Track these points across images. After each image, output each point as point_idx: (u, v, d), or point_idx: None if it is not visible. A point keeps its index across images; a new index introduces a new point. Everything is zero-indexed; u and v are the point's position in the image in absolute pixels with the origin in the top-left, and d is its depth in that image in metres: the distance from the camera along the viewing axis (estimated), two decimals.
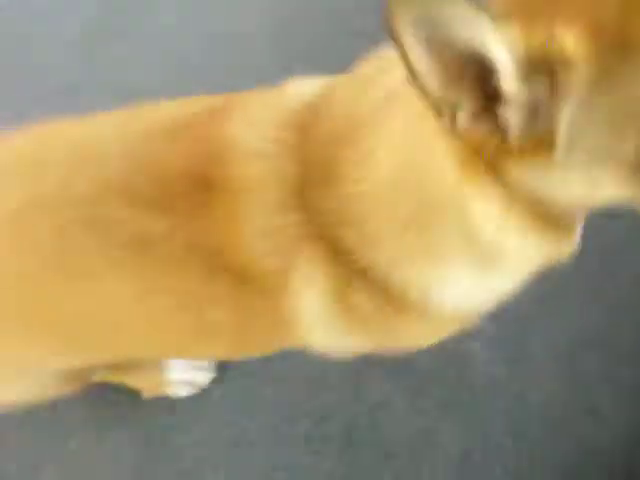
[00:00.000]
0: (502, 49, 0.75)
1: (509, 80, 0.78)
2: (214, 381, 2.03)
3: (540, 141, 0.82)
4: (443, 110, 0.80)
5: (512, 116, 0.81)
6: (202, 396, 2.00)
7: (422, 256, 1.01)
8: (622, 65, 0.75)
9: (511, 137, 0.83)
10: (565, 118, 0.79)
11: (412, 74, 0.76)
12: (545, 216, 0.95)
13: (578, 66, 0.75)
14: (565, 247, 1.03)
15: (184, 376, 1.94)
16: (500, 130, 0.82)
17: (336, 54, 2.16)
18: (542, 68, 0.76)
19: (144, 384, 1.95)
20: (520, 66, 0.76)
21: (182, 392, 1.95)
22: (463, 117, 0.81)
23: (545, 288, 2.16)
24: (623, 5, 0.74)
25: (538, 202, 0.92)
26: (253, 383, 2.03)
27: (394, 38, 0.72)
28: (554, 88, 0.77)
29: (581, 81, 0.76)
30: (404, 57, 0.74)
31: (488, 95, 0.80)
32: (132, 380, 1.93)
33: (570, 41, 0.75)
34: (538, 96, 0.78)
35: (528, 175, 0.87)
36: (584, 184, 0.86)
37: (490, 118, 0.82)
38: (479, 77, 0.79)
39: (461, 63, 0.77)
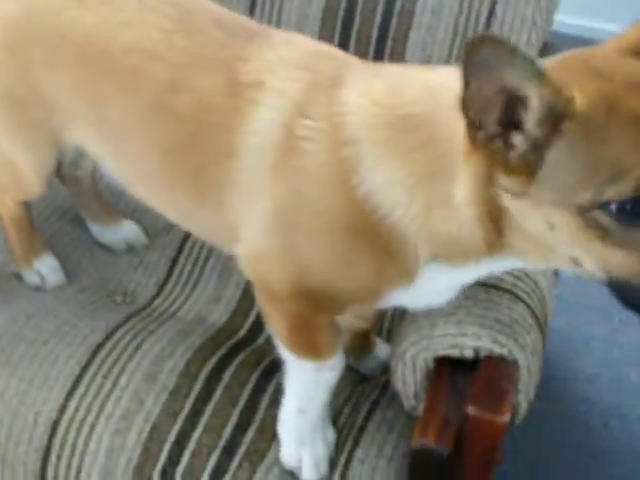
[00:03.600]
0: (538, 97, 0.91)
1: (532, 119, 0.93)
2: None
3: (527, 167, 0.96)
4: (473, 127, 0.95)
5: (520, 143, 0.96)
6: None
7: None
8: (607, 128, 0.92)
9: (510, 157, 0.96)
10: (551, 155, 0.95)
11: (464, 98, 0.92)
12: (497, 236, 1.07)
13: (578, 119, 0.92)
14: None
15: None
16: (506, 150, 0.96)
17: None
18: (555, 115, 0.92)
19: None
20: (543, 111, 0.92)
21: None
22: (483, 134, 0.96)
23: None
24: (625, 87, 0.93)
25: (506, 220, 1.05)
26: None
27: (466, 71, 0.89)
28: (555, 131, 0.93)
29: (575, 130, 0.92)
30: (465, 85, 0.90)
31: (508, 122, 0.95)
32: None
33: (581, 101, 0.91)
34: (543, 134, 0.94)
35: (508, 190, 1.00)
36: (543, 222, 0.99)
37: (503, 139, 0.96)
38: (508, 109, 0.94)
39: (501, 98, 0.93)
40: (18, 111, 1.44)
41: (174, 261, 1.74)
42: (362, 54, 1.75)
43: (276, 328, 1.32)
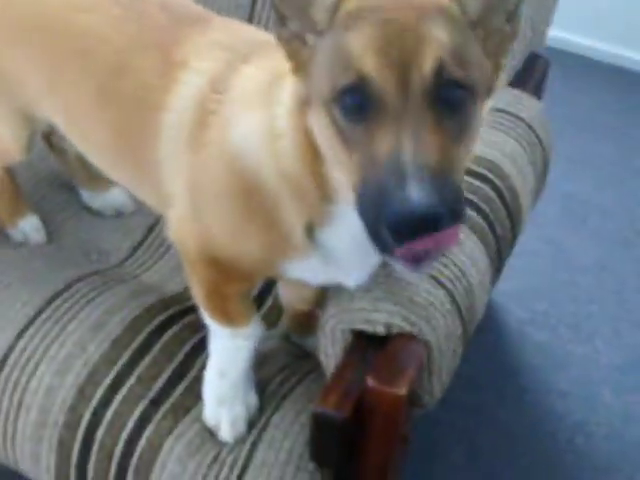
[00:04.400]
0: None
1: (322, 12, 1.00)
2: None
3: (309, 62, 1.03)
4: (279, 24, 1.03)
5: (310, 40, 1.02)
6: None
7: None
8: (359, 24, 0.96)
9: (301, 54, 1.03)
10: (319, 47, 1.01)
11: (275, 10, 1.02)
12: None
13: (347, 11, 0.98)
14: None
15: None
16: (301, 48, 1.03)
17: None
18: (335, 8, 0.99)
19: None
20: (329, 5, 1.00)
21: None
22: (286, 32, 1.04)
23: None
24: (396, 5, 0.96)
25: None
26: None
27: None
28: (330, 21, 1.00)
29: (341, 22, 0.98)
30: None
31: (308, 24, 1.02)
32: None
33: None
34: (322, 21, 1.01)
35: (301, 96, 1.06)
36: (319, 130, 1.02)
37: (301, 40, 1.04)
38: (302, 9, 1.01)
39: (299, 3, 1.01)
40: None
41: (151, 228, 1.81)
42: None
43: (194, 293, 1.38)
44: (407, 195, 0.88)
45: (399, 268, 1.00)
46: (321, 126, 1.01)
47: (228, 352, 1.39)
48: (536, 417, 2.12)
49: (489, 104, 1.08)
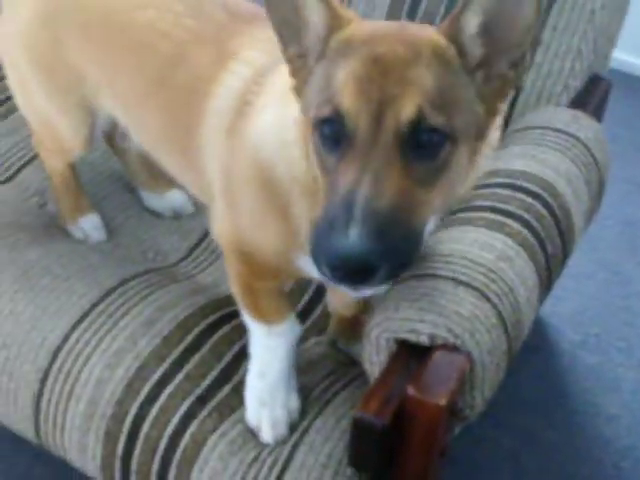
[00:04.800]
0: (317, 14, 1.04)
1: (315, 39, 1.06)
2: None
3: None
4: (281, 45, 1.09)
5: (309, 61, 1.07)
6: None
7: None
8: (346, 57, 1.00)
9: (303, 74, 1.08)
10: (315, 70, 1.05)
11: (269, 18, 1.07)
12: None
13: (339, 40, 1.03)
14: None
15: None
16: (302, 69, 1.08)
17: None
18: (329, 29, 1.04)
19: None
20: (322, 33, 1.04)
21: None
22: (288, 54, 1.09)
23: None
24: (382, 37, 1.01)
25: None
26: None
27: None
28: (325, 47, 1.04)
29: (332, 50, 1.03)
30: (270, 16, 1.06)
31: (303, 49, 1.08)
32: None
33: (349, 32, 1.02)
34: (319, 47, 1.06)
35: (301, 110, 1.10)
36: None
37: (302, 61, 1.08)
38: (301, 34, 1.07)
39: (297, 27, 1.06)
40: (49, 77, 1.58)
41: (207, 232, 1.84)
42: None
43: (232, 289, 1.41)
44: (348, 239, 0.92)
45: None
46: (311, 142, 1.05)
47: (266, 351, 1.41)
48: (584, 440, 2.10)
49: (487, 146, 1.12)
